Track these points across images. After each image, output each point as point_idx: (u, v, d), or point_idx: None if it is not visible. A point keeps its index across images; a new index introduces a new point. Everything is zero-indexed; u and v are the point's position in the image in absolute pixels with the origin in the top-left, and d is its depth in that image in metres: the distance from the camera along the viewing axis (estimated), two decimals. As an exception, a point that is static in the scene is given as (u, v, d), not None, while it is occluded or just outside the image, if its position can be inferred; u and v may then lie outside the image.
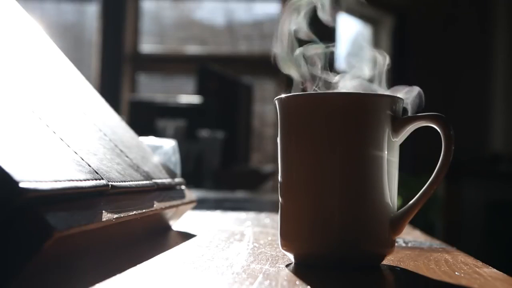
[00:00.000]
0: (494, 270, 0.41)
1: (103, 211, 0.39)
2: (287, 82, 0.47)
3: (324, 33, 0.46)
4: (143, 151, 0.62)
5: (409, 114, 0.45)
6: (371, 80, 0.46)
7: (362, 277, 0.39)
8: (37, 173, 0.32)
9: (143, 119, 2.23)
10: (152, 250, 0.46)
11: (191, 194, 0.67)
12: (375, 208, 0.41)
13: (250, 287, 0.34)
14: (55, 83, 0.54)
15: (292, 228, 0.43)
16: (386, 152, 0.42)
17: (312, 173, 0.41)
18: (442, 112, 0.42)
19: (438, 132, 0.42)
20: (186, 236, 0.56)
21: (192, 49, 3.51)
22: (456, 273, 0.40)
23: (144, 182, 0.51)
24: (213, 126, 2.19)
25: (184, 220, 0.69)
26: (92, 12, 3.47)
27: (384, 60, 0.46)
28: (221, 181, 1.97)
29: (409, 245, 0.54)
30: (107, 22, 3.37)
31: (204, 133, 2.05)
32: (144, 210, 0.47)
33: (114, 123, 0.61)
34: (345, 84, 0.46)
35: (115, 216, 0.40)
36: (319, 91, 0.46)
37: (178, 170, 0.66)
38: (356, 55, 0.48)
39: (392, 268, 0.42)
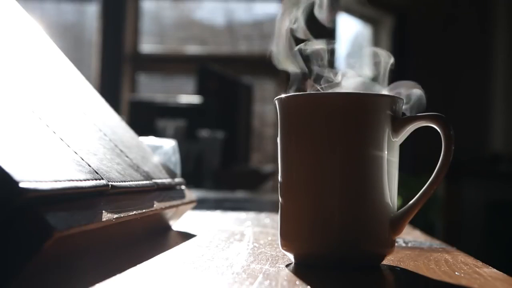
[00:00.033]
0: (494, 270, 0.41)
1: (103, 211, 0.39)
2: (286, 81, 0.47)
3: (324, 31, 0.46)
4: (143, 151, 0.62)
5: (413, 104, 0.45)
6: (374, 79, 0.46)
7: (362, 277, 0.39)
8: (37, 173, 0.32)
9: (143, 119, 2.23)
10: (152, 250, 0.46)
11: (191, 194, 0.67)
12: (375, 208, 0.41)
13: (250, 287, 0.34)
14: (55, 83, 0.54)
15: (292, 228, 0.43)
16: (386, 152, 0.42)
17: (312, 173, 0.41)
18: (442, 112, 0.42)
19: (438, 132, 0.42)
20: (186, 236, 0.56)
21: (192, 49, 3.51)
22: (456, 273, 0.40)
23: (144, 182, 0.51)
24: (213, 126, 2.19)
25: (184, 220, 0.69)
26: (92, 12, 3.47)
27: (388, 59, 0.46)
28: (221, 181, 1.97)
29: (409, 245, 0.54)
30: (107, 22, 3.37)
31: (204, 133, 2.05)
32: (144, 210, 0.47)
33: (114, 123, 0.61)
34: (347, 83, 0.46)
35: (115, 216, 0.40)
36: (319, 91, 0.46)
37: (178, 170, 0.66)
38: (358, 54, 0.48)
39: (392, 268, 0.42)
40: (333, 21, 0.46)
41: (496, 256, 2.81)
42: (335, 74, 0.46)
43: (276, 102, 0.44)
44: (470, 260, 0.46)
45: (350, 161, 0.41)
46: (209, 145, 2.01)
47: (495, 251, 2.90)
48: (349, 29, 3.54)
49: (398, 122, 0.42)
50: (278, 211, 0.44)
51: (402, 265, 0.43)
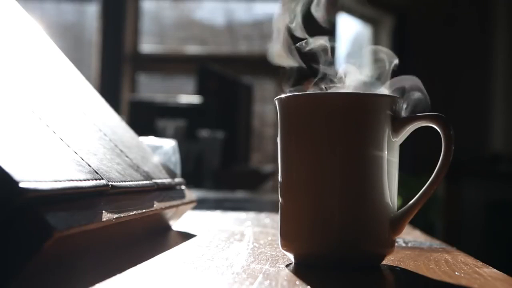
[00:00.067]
0: (494, 270, 0.41)
1: (103, 211, 0.39)
2: (284, 77, 0.47)
3: (323, 30, 0.46)
4: (143, 151, 0.62)
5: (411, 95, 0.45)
6: (375, 77, 0.46)
7: (362, 277, 0.39)
8: (37, 173, 0.32)
9: (143, 119, 2.23)
10: (152, 250, 0.46)
11: (191, 194, 0.67)
12: (375, 208, 0.41)
13: (250, 287, 0.34)
14: (55, 83, 0.54)
15: (292, 228, 0.43)
16: (386, 152, 0.42)
17: (312, 173, 0.41)
18: (442, 112, 0.42)
19: (438, 132, 0.42)
20: (186, 236, 0.56)
21: (192, 49, 3.51)
22: (456, 273, 0.40)
23: (144, 182, 0.51)
24: (213, 126, 2.19)
25: (184, 220, 0.69)
26: (92, 12, 3.47)
27: (392, 59, 0.46)
28: (221, 181, 1.97)
29: (409, 245, 0.54)
30: (107, 22, 3.37)
31: (204, 133, 2.05)
32: (144, 210, 0.47)
33: (114, 123, 0.61)
34: (347, 80, 0.46)
35: (115, 216, 0.40)
36: (319, 91, 0.46)
37: (178, 170, 0.66)
38: (358, 54, 0.48)
39: (392, 268, 0.42)
40: (329, 20, 0.46)
41: (496, 256, 2.81)
42: (334, 71, 0.46)
43: (276, 102, 0.44)
44: (470, 260, 0.46)
45: (350, 161, 0.41)
46: (209, 145, 2.01)
47: (495, 251, 2.90)
48: (349, 29, 3.54)
49: (398, 122, 0.42)
50: (278, 211, 0.44)
51: (402, 265, 0.43)
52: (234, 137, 2.53)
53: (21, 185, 0.30)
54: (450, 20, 3.39)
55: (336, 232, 0.41)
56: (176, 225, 0.64)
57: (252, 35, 3.47)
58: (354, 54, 0.47)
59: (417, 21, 3.40)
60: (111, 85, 3.33)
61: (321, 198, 0.41)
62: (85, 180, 0.38)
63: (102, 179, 0.41)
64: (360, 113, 0.41)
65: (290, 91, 0.45)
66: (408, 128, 0.42)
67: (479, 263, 0.44)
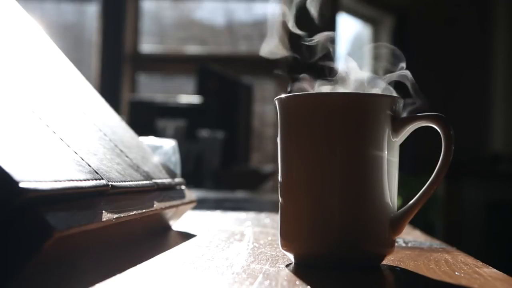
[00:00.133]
0: (494, 270, 0.41)
1: (103, 211, 0.39)
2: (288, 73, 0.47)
3: (322, 28, 0.46)
4: (143, 151, 0.62)
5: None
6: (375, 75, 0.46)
7: (362, 277, 0.39)
8: (37, 173, 0.32)
9: (143, 119, 2.23)
10: (152, 250, 0.46)
11: (191, 194, 0.67)
12: (375, 208, 0.41)
13: (250, 287, 0.34)
14: (55, 83, 0.54)
15: (292, 228, 0.43)
16: (386, 152, 0.42)
17: (312, 173, 0.41)
18: (442, 112, 0.42)
19: (438, 132, 0.42)
20: (186, 236, 0.56)
21: (192, 49, 3.51)
22: (456, 273, 0.40)
23: (144, 182, 0.51)
24: (213, 126, 2.19)
25: (184, 220, 0.69)
26: (92, 12, 3.47)
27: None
28: (221, 181, 1.97)
29: (409, 245, 0.54)
30: (107, 22, 3.37)
31: (204, 133, 2.05)
32: (144, 210, 0.47)
33: (114, 123, 0.61)
34: (345, 78, 0.46)
35: (115, 216, 0.40)
36: (319, 91, 0.46)
37: (178, 170, 0.66)
38: (358, 54, 0.48)
39: (392, 268, 0.42)
40: (324, 18, 0.46)
41: (496, 256, 2.81)
42: (333, 65, 0.46)
43: (276, 102, 0.44)
44: (470, 260, 0.46)
45: (350, 161, 0.41)
46: (209, 145, 2.01)
47: (495, 251, 2.90)
48: (349, 29, 3.54)
49: (398, 122, 0.42)
50: (278, 211, 0.44)
51: (402, 265, 0.43)
52: (234, 137, 2.53)
53: (21, 185, 0.30)
54: (450, 20, 3.39)
55: (336, 232, 0.41)
56: (176, 225, 0.64)
57: (252, 35, 3.47)
58: (354, 54, 0.47)
59: (417, 21, 3.40)
60: (111, 85, 3.33)
61: (321, 198, 0.41)
62: (85, 180, 0.38)
63: (102, 179, 0.41)
64: (360, 113, 0.41)
65: (291, 87, 0.45)
66: (408, 128, 0.42)
67: (479, 263, 0.44)
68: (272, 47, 0.47)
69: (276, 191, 0.47)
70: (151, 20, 3.56)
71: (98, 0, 3.40)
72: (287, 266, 0.41)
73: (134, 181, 0.48)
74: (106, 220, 0.38)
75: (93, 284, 0.32)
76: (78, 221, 0.34)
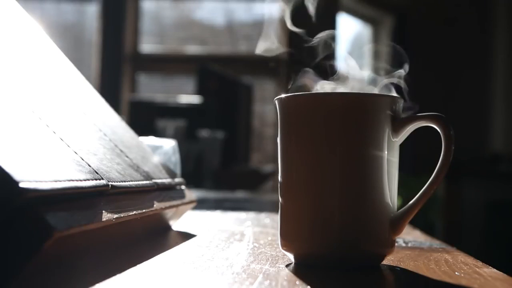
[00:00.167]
0: (494, 270, 0.41)
1: (103, 211, 0.39)
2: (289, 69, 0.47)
3: (321, 28, 0.46)
4: (143, 151, 0.62)
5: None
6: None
7: (362, 277, 0.39)
8: (37, 173, 0.32)
9: (143, 119, 2.23)
10: (152, 250, 0.46)
11: (191, 194, 0.67)
12: (375, 208, 0.41)
13: (250, 287, 0.34)
14: (55, 83, 0.54)
15: (292, 228, 0.43)
16: (386, 152, 0.42)
17: (312, 173, 0.41)
18: (442, 112, 0.42)
19: (438, 132, 0.42)
20: (186, 236, 0.56)
21: (192, 49, 3.51)
22: (456, 273, 0.40)
23: (144, 182, 0.51)
24: (213, 126, 2.19)
25: (184, 220, 0.69)
26: (92, 12, 3.47)
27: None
28: (221, 181, 1.97)
29: (409, 245, 0.54)
30: (107, 22, 3.37)
31: (204, 133, 2.05)
32: (144, 210, 0.47)
33: (114, 123, 0.61)
34: (344, 77, 0.46)
35: (115, 216, 0.40)
36: (319, 91, 0.46)
37: (178, 170, 0.66)
38: (357, 53, 0.48)
39: (392, 268, 0.42)
40: (324, 16, 0.46)
41: (496, 256, 2.81)
42: (332, 67, 0.46)
43: (276, 102, 0.44)
44: (470, 260, 0.46)
45: (350, 161, 0.41)
46: (209, 145, 2.01)
47: (495, 251, 2.90)
48: (349, 29, 3.54)
49: (398, 122, 0.42)
50: (278, 211, 0.44)
51: (402, 265, 0.43)
52: (234, 137, 2.53)
53: (21, 185, 0.30)
54: (450, 20, 3.39)
55: (336, 232, 0.41)
56: (176, 225, 0.64)
57: (252, 35, 3.47)
58: (354, 53, 0.47)
59: (417, 21, 3.40)
60: (111, 85, 3.33)
61: (321, 198, 0.41)
62: (85, 180, 0.38)
63: (102, 179, 0.41)
64: (360, 113, 0.41)
65: (292, 86, 0.45)
66: (408, 128, 0.42)
67: (479, 263, 0.44)
68: (268, 45, 0.47)
69: (276, 191, 0.47)
70: (151, 20, 3.56)
71: (98, 0, 3.40)
72: (287, 266, 0.41)
73: (134, 181, 0.48)
74: (106, 220, 0.38)
75: (93, 284, 0.32)
76: (78, 221, 0.34)
